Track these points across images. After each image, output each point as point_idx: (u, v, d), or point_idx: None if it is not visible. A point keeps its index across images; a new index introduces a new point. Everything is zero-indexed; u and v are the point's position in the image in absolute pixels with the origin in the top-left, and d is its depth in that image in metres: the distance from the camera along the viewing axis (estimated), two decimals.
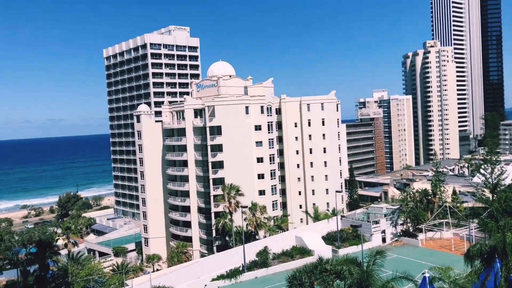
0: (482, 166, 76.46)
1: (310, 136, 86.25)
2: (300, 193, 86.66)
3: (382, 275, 29.42)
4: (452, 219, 62.94)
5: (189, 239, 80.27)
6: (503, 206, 48.26)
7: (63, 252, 76.60)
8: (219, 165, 76.30)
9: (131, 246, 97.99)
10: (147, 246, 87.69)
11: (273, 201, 79.13)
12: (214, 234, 75.45)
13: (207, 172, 77.45)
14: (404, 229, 63.18)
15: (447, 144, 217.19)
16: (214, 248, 74.92)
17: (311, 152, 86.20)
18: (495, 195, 66.15)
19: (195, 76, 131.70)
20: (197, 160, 79.16)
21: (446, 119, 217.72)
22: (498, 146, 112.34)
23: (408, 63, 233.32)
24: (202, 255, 73.03)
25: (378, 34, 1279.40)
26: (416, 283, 28.72)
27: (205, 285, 49.57)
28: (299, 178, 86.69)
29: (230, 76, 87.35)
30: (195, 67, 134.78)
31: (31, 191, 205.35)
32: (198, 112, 79.37)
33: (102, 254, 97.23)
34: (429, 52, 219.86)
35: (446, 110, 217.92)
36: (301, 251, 57.84)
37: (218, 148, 76.53)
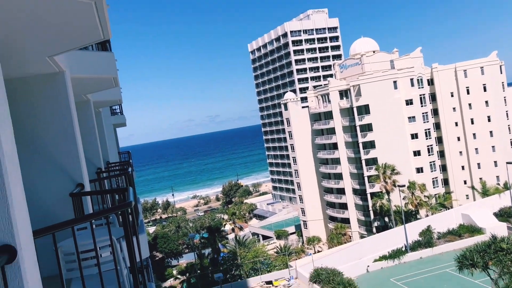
0: None
1: (470, 105, 78.62)
2: (463, 167, 79.83)
3: None
4: None
5: (346, 221, 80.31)
6: None
7: (230, 236, 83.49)
8: (370, 145, 74.52)
9: (291, 229, 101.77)
10: (306, 228, 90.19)
11: (433, 178, 74.45)
12: (372, 215, 74.18)
13: (358, 153, 76.29)
14: None
15: None
16: (373, 229, 73.68)
17: (472, 123, 78.61)
18: None
19: (337, 57, 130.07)
20: (347, 141, 78.45)
21: None
22: None
23: None
24: (362, 236, 72.44)
25: None
26: None
27: (368, 266, 49.19)
28: (460, 152, 79.88)
29: (373, 51, 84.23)
30: (337, 47, 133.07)
31: (198, 183, 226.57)
32: (344, 93, 78.44)
33: (265, 237, 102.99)
34: None
35: None
36: (470, 229, 53.49)
37: (367, 127, 74.71)
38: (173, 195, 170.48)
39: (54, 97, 6.97)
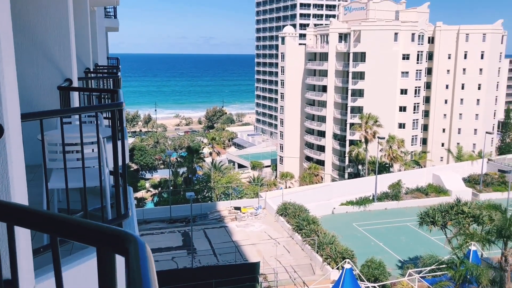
0: None
1: (464, 70, 78.46)
2: (444, 130, 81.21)
3: None
4: None
5: (321, 163, 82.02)
6: None
7: (208, 160, 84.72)
8: (359, 93, 74.53)
9: (267, 162, 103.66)
10: (282, 164, 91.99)
11: (412, 136, 75.72)
12: (347, 161, 75.82)
13: (346, 99, 76.40)
14: None
15: None
16: (346, 175, 75.67)
17: (463, 88, 78.93)
18: None
19: None
20: (337, 86, 78.19)
21: None
22: None
23: None
24: (333, 180, 74.49)
25: None
26: None
27: (334, 208, 51.02)
28: (445, 115, 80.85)
29: None
30: None
31: (183, 103, 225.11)
32: (343, 37, 76.92)
33: (240, 166, 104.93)
34: None
35: None
36: (437, 189, 55.46)
37: (360, 75, 74.28)
38: (155, 110, 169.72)
39: None
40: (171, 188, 62.20)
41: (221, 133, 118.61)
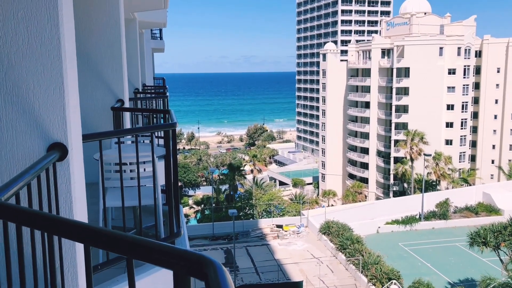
0: None
1: None
2: (494, 147, 77.92)
3: None
4: None
5: (365, 180, 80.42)
6: None
7: (249, 177, 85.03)
8: (403, 109, 72.98)
9: (308, 179, 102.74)
10: (324, 181, 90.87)
11: (460, 153, 73.08)
12: (391, 179, 73.98)
13: (389, 116, 74.96)
14: None
15: None
16: (391, 193, 73.77)
17: None
18: None
19: (386, 13, 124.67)
20: (380, 102, 76.93)
21: None
22: None
23: None
24: (377, 198, 72.79)
25: None
26: None
27: (378, 227, 49.71)
28: (494, 131, 77.69)
29: (425, 13, 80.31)
30: (387, 3, 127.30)
31: (224, 121, 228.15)
32: (386, 52, 75.89)
33: (281, 183, 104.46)
34: None
35: None
36: (488, 208, 53.01)
37: (404, 91, 72.81)
38: (198, 128, 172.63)
39: (107, 9, 6.92)
40: (214, 205, 62.70)
41: (262, 150, 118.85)
